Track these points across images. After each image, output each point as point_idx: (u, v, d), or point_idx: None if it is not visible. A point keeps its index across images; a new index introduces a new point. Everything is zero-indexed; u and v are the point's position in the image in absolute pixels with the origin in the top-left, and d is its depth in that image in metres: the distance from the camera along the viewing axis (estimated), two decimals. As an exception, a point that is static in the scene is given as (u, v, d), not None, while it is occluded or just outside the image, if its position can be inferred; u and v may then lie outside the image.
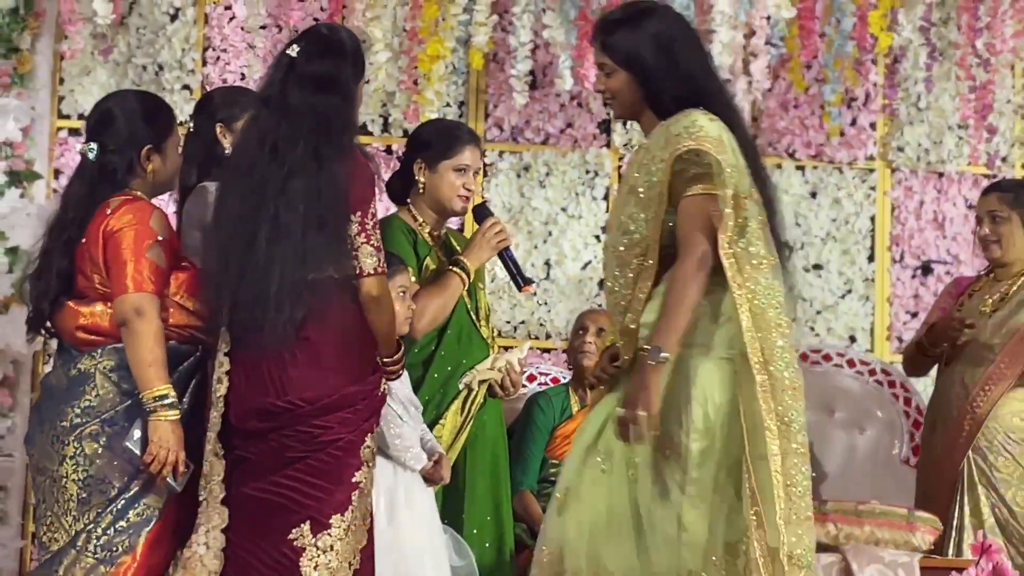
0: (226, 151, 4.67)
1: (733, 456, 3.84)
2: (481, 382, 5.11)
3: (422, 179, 5.08)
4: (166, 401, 4.23)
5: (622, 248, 4.03)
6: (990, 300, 5.55)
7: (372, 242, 4.26)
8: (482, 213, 5.20)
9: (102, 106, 4.62)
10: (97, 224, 4.37)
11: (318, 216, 4.17)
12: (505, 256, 5.16)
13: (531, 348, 6.31)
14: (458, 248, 5.18)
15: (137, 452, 4.26)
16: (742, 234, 3.89)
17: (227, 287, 4.20)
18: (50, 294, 4.42)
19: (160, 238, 4.36)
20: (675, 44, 4.08)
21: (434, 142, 5.16)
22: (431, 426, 4.98)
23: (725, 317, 3.92)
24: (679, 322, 3.85)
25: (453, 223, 5.62)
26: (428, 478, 4.80)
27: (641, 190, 4.01)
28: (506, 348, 5.35)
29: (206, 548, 4.17)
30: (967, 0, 6.61)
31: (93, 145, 4.45)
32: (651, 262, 3.97)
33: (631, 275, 4.03)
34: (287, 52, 4.32)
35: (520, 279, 5.17)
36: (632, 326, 4.00)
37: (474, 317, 5.18)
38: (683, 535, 3.84)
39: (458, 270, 5.04)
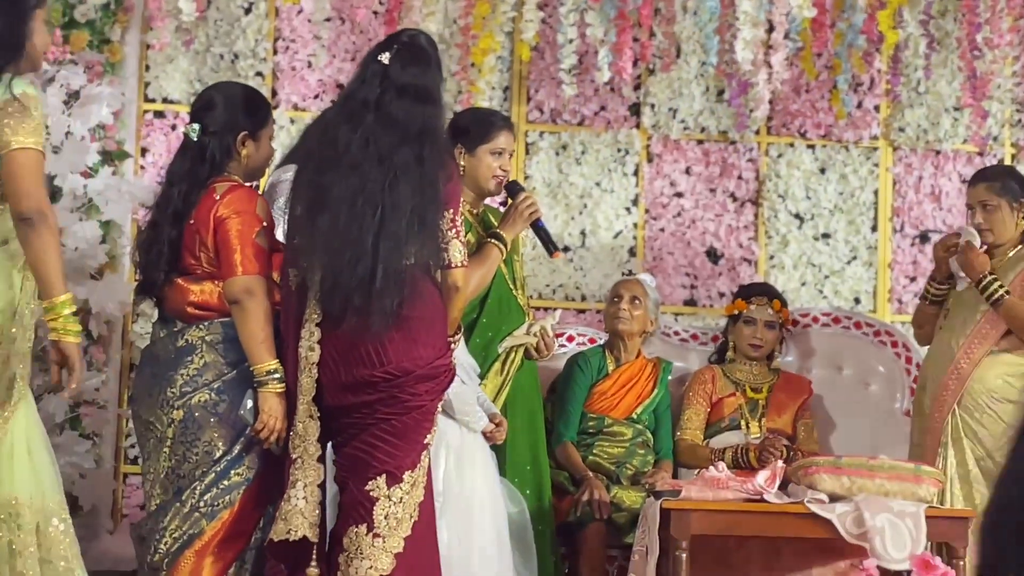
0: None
1: None
2: (518, 346, 5.20)
3: (462, 163, 5.08)
4: (276, 375, 4.35)
5: None
6: None
7: (460, 237, 4.37)
8: (514, 188, 5.23)
9: (207, 93, 4.73)
10: (207, 208, 4.45)
11: (419, 214, 4.26)
12: (537, 226, 5.21)
13: (562, 312, 6.43)
14: (495, 224, 5.21)
15: (250, 420, 4.36)
16: None
17: (327, 269, 4.25)
18: (161, 265, 4.51)
19: (264, 224, 4.46)
20: None
21: (472, 128, 5.20)
22: None
23: None
24: None
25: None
26: (487, 437, 4.94)
27: None
28: (544, 310, 5.42)
29: (305, 502, 4.25)
30: (965, -3, 6.62)
31: (196, 126, 4.56)
32: None
33: None
34: (379, 59, 4.39)
35: (551, 246, 5.22)
36: None
37: (512, 286, 5.27)
38: None
39: (495, 242, 5.10)
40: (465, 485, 4.72)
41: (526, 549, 4.93)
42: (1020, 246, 5.57)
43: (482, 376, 5.10)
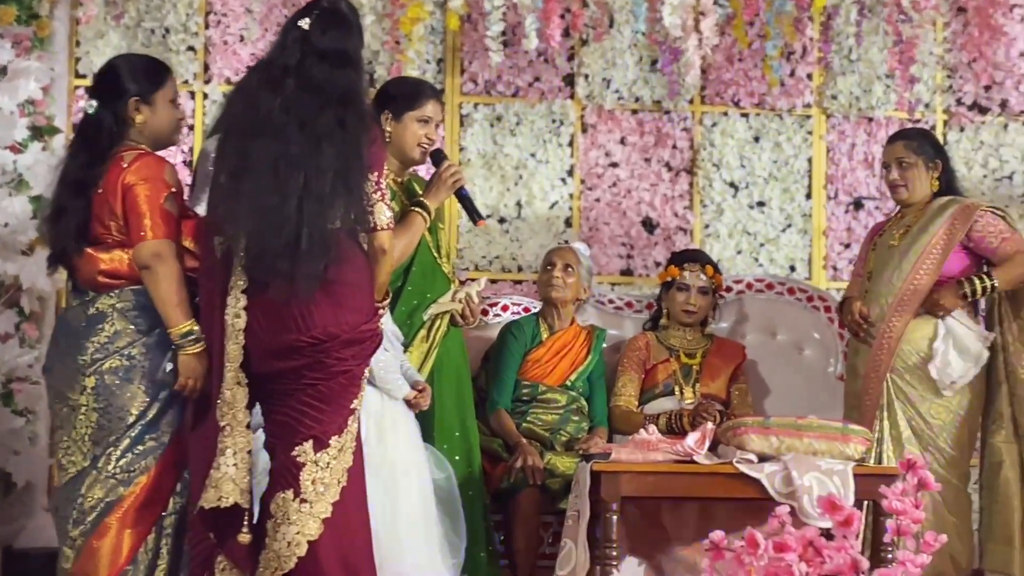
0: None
1: None
2: (443, 313, 5.17)
3: (388, 129, 5.07)
4: (191, 336, 4.33)
5: None
6: (897, 234, 5.57)
7: (385, 199, 4.32)
8: (438, 157, 5.19)
9: (101, 68, 4.72)
10: (115, 176, 4.41)
11: (343, 178, 4.20)
12: (461, 195, 5.17)
13: (489, 281, 6.39)
14: (420, 191, 5.17)
15: (170, 381, 4.35)
16: None
17: (251, 235, 4.20)
18: (69, 235, 4.46)
19: (173, 190, 4.42)
20: None
21: (400, 96, 5.17)
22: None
23: None
24: None
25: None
26: (411, 404, 4.88)
27: None
28: (472, 280, 5.39)
29: (235, 468, 4.20)
30: (894, -39, 6.60)
31: (93, 102, 4.55)
32: None
33: None
34: (298, 24, 4.33)
35: (475, 215, 5.19)
36: None
37: (436, 254, 5.23)
38: None
39: (419, 210, 5.05)
40: (388, 452, 4.69)
41: (454, 514, 4.90)
42: (930, 203, 5.59)
43: (408, 344, 5.07)
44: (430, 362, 5.13)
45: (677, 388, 5.90)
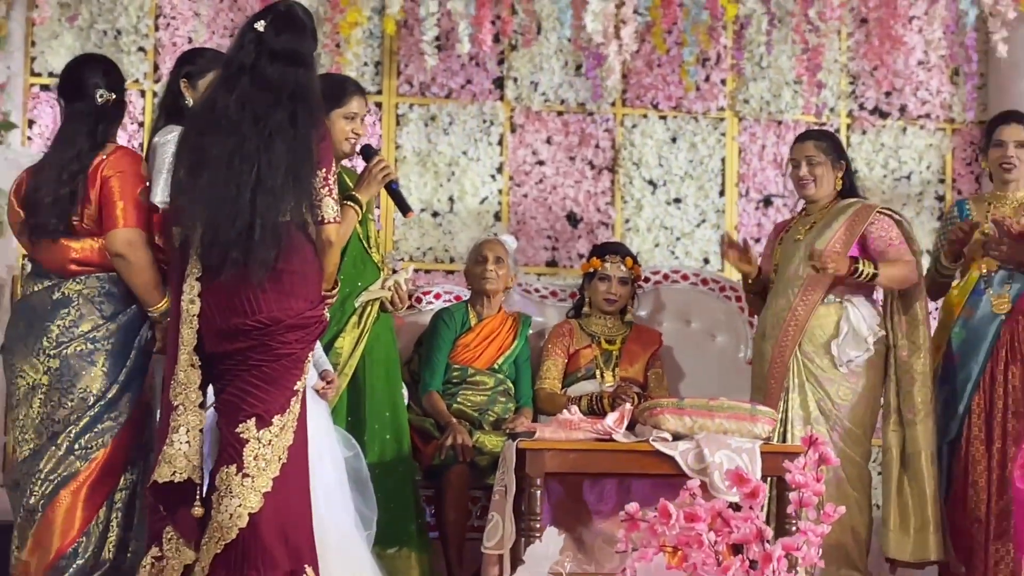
0: (187, 103, 4.65)
1: None
2: (373, 300, 5.15)
3: None
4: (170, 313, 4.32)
5: None
6: (803, 229, 5.57)
7: (332, 194, 4.30)
8: (369, 152, 5.14)
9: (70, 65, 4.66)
10: (96, 167, 4.40)
11: (294, 173, 4.19)
12: (391, 188, 5.12)
13: (416, 271, 6.37)
14: (350, 184, 5.13)
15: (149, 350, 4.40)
16: None
17: (207, 225, 4.18)
18: (53, 215, 4.43)
19: (147, 183, 4.42)
20: None
21: (326, 93, 5.02)
22: (333, 339, 5.04)
23: None
24: None
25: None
26: (320, 393, 4.85)
27: None
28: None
29: (188, 445, 4.19)
30: (802, -25, 6.65)
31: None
32: None
33: None
34: (254, 27, 4.31)
35: (405, 207, 5.15)
36: None
37: (366, 244, 5.21)
38: None
39: (351, 203, 5.01)
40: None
41: (363, 488, 4.84)
42: (836, 200, 5.61)
43: (341, 328, 5.07)
44: (362, 345, 5.12)
45: (598, 372, 5.91)
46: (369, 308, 5.15)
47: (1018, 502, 4.85)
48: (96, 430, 4.35)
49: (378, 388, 5.16)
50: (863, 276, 5.37)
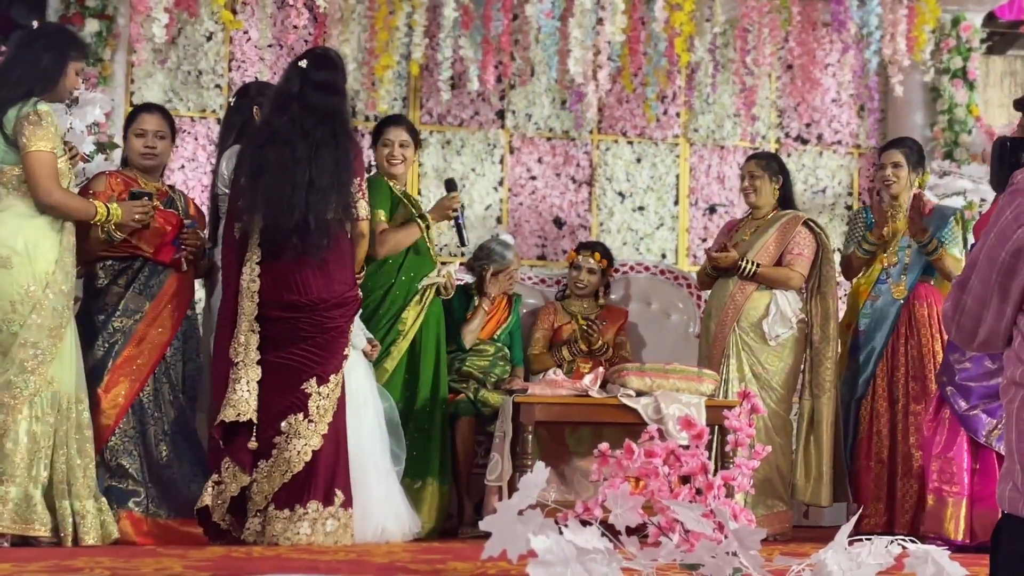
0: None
1: None
2: (431, 285, 5.21)
3: (375, 155, 5.22)
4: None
5: None
6: (748, 231, 5.58)
7: (365, 197, 4.35)
8: (450, 186, 5.31)
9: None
10: None
11: (336, 177, 4.23)
12: (456, 222, 5.23)
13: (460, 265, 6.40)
14: (408, 203, 5.21)
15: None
16: None
17: (267, 219, 4.21)
18: None
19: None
20: None
21: (375, 130, 5.31)
22: (400, 311, 5.07)
23: None
24: None
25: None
26: (366, 354, 4.86)
27: None
28: (444, 263, 5.41)
29: (249, 393, 4.21)
30: (739, 31, 6.64)
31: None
32: None
33: None
34: (299, 64, 4.36)
35: (461, 239, 5.26)
36: None
37: (429, 244, 5.28)
38: None
39: (420, 221, 5.13)
40: (351, 388, 4.58)
41: (395, 432, 4.86)
42: (775, 211, 5.61)
43: (404, 304, 5.12)
44: (421, 318, 5.15)
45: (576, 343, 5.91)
46: (429, 291, 5.20)
47: (924, 447, 4.90)
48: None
49: (429, 353, 5.19)
50: (744, 272, 5.41)
